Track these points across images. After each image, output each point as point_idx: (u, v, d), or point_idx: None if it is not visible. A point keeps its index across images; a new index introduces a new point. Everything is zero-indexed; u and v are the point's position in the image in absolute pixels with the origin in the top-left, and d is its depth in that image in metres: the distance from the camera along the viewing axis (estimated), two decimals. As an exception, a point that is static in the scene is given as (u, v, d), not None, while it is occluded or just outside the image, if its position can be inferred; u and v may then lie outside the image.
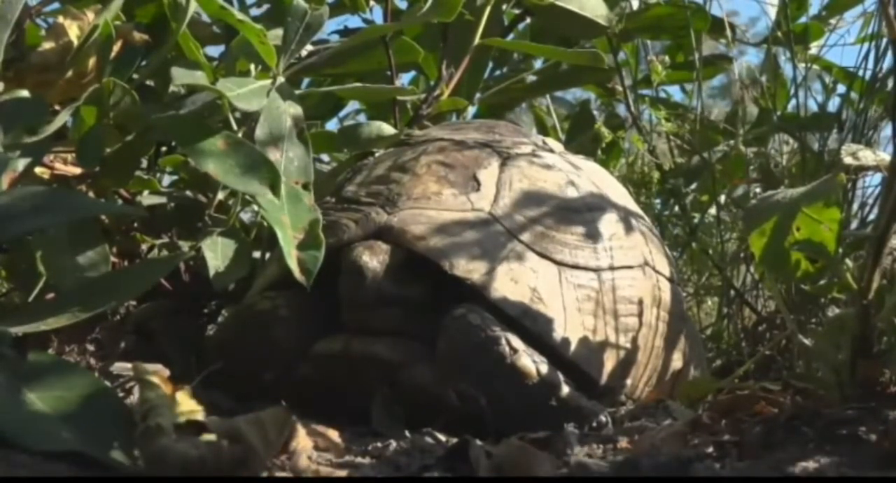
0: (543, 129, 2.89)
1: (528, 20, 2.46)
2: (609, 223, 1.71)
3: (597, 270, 1.64)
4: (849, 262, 1.60)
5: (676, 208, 2.68)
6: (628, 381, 1.65)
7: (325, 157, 2.28)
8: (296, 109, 1.61)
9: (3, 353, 1.14)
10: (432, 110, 2.07)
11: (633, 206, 1.86)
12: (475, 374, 1.48)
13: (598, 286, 1.62)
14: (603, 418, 1.51)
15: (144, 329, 1.82)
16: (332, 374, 1.55)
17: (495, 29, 2.21)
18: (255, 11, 2.05)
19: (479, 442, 1.19)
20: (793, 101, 2.44)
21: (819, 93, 2.59)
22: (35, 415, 1.07)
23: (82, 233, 1.57)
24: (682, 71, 2.68)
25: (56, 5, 1.79)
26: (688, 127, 2.58)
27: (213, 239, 1.69)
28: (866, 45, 2.34)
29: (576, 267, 1.62)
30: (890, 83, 2.27)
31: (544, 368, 1.49)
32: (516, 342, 1.48)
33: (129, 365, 1.55)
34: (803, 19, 2.49)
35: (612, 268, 1.66)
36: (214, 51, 1.95)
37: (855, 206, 2.33)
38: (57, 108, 1.63)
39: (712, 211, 2.61)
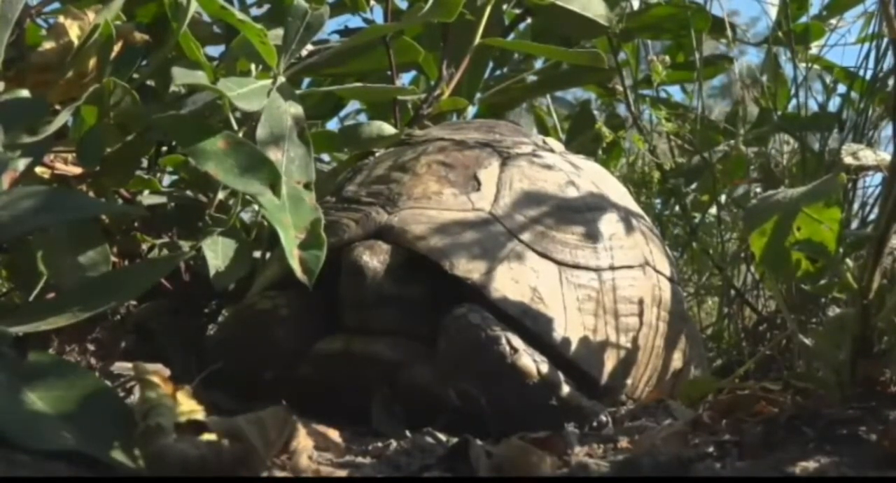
0: (544, 129, 2.90)
1: (529, 20, 2.46)
2: (609, 223, 1.71)
3: (597, 270, 1.64)
4: (849, 261, 1.60)
5: (677, 208, 2.68)
6: (629, 381, 1.65)
7: (325, 157, 2.28)
8: (297, 109, 1.61)
9: (3, 353, 1.14)
10: (433, 110, 2.07)
11: (633, 205, 1.86)
12: (475, 373, 1.48)
13: (598, 286, 1.62)
14: (603, 418, 1.51)
15: (145, 329, 1.82)
16: (333, 373, 1.55)
17: (496, 29, 2.21)
18: (255, 11, 2.05)
19: (479, 442, 1.19)
20: (793, 101, 2.44)
21: (820, 93, 2.59)
22: (35, 414, 1.07)
23: (83, 232, 1.57)
24: (682, 71, 2.68)
25: (56, 5, 1.79)
26: (688, 127, 2.58)
27: (214, 239, 1.69)
28: (867, 44, 2.35)
29: (576, 267, 1.62)
30: (890, 83, 2.27)
31: (545, 368, 1.49)
32: (517, 342, 1.48)
33: (129, 364, 1.55)
34: (804, 19, 2.49)
35: (612, 267, 1.66)
36: (215, 51, 1.95)
37: (855, 206, 2.33)
38: (57, 107, 1.62)
39: (713, 211, 2.61)
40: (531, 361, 1.48)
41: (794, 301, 2.06)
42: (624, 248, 1.70)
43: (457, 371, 1.49)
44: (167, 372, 1.23)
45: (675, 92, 3.00)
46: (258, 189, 1.47)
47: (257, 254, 1.80)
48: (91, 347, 1.73)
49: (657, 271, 1.75)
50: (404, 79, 2.33)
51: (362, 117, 2.63)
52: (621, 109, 2.89)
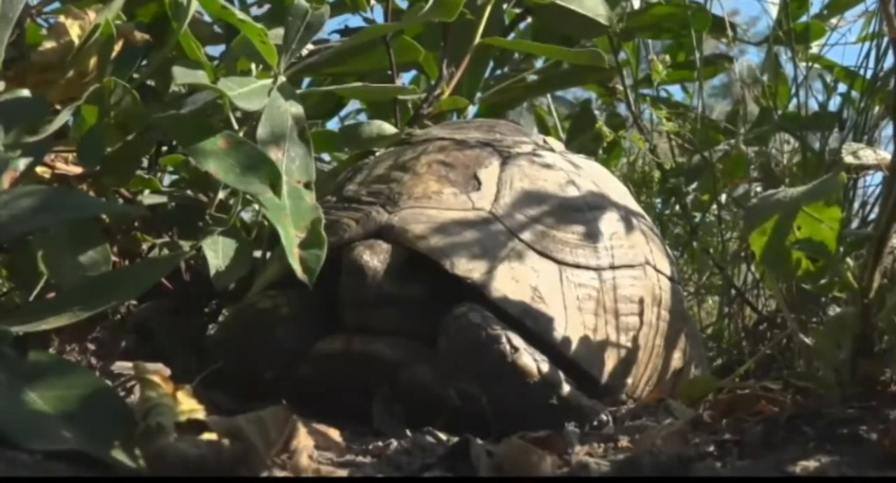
0: (544, 129, 2.90)
1: (529, 19, 2.46)
2: (610, 222, 1.71)
3: (597, 269, 1.64)
4: (849, 261, 1.60)
5: (677, 207, 2.68)
6: (629, 380, 1.65)
7: (325, 157, 2.28)
8: (297, 109, 1.61)
9: (3, 353, 1.14)
10: (433, 110, 2.07)
11: (633, 205, 1.86)
12: (476, 372, 1.48)
13: (598, 285, 1.62)
14: (604, 417, 1.51)
15: (145, 328, 1.82)
16: (333, 373, 1.55)
17: (496, 28, 2.21)
18: (255, 11, 2.05)
19: (479, 441, 1.19)
20: (794, 101, 2.44)
21: (820, 92, 2.59)
22: (36, 414, 1.07)
23: (83, 232, 1.57)
24: (682, 70, 2.68)
25: (57, 5, 1.79)
26: (689, 126, 2.58)
27: (214, 238, 1.69)
28: (867, 44, 2.35)
29: (577, 266, 1.62)
30: (891, 82, 2.27)
31: (545, 367, 1.49)
32: (517, 341, 1.48)
33: (129, 364, 1.55)
34: (804, 18, 2.49)
35: (612, 267, 1.66)
36: (215, 50, 1.95)
37: (856, 206, 2.33)
38: (58, 107, 1.63)
39: (713, 210, 2.61)
40: (531, 360, 1.48)
41: (794, 300, 2.06)
42: (624, 247, 1.70)
43: (457, 370, 1.49)
44: (167, 371, 1.23)
45: (676, 91, 3.00)
46: (258, 188, 1.47)
47: (258, 253, 1.80)
48: (91, 347, 1.73)
49: (657, 271, 1.75)
50: (405, 78, 2.34)
51: (362, 117, 2.63)
52: (622, 109, 2.90)
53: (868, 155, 1.52)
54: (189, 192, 1.92)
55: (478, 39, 2.03)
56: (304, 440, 1.11)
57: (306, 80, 2.18)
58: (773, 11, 2.52)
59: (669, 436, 1.29)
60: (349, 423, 1.47)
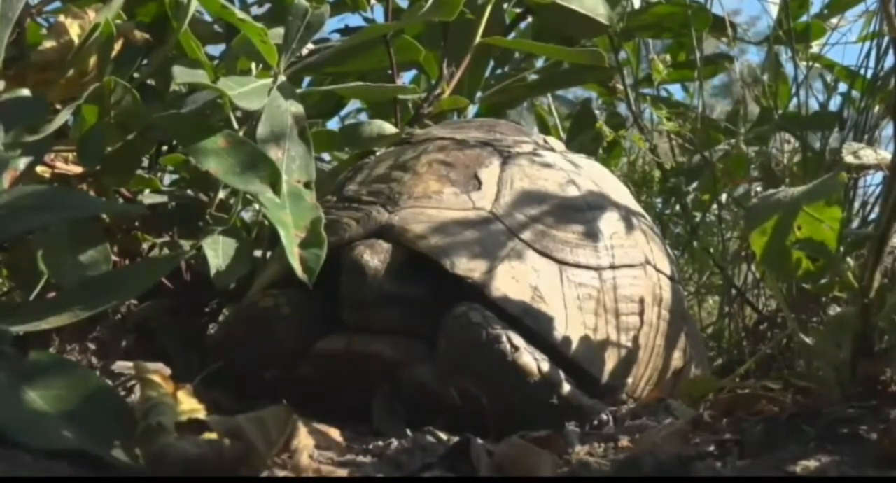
0: (545, 128, 2.89)
1: (530, 19, 2.46)
2: (610, 222, 1.71)
3: (598, 269, 1.64)
4: (850, 260, 1.60)
5: (678, 207, 2.68)
6: (629, 380, 1.65)
7: (326, 156, 2.28)
8: (297, 108, 1.61)
9: (4, 352, 1.14)
10: (433, 109, 2.07)
11: (634, 204, 1.86)
12: (476, 372, 1.48)
13: (599, 285, 1.62)
14: (604, 417, 1.51)
15: (145, 328, 1.82)
16: (333, 372, 1.55)
17: (496, 28, 2.21)
18: (256, 10, 2.05)
19: (480, 440, 1.19)
20: (794, 100, 2.44)
21: (820, 91, 2.59)
22: (36, 413, 1.07)
23: (83, 231, 1.57)
24: (683, 70, 2.68)
25: (57, 4, 1.79)
26: (689, 126, 2.58)
27: (215, 238, 1.69)
28: (868, 43, 2.34)
29: (577, 265, 1.62)
30: (891, 82, 2.27)
31: (545, 366, 1.49)
32: (517, 340, 1.48)
33: (130, 364, 1.55)
34: (805, 18, 2.49)
35: (613, 266, 1.66)
36: (215, 50, 1.95)
37: (856, 205, 2.33)
38: (58, 106, 1.63)
39: (713, 210, 2.61)
40: (532, 360, 1.48)
41: (794, 300, 2.06)
42: (624, 246, 1.70)
43: (457, 370, 1.49)
44: (168, 371, 1.23)
45: (676, 91, 3.00)
46: (259, 188, 1.47)
47: (258, 253, 1.80)
48: (92, 346, 1.73)
49: (658, 270, 1.75)
50: (405, 78, 2.33)
51: (363, 116, 2.63)
52: (622, 108, 2.89)
53: (868, 154, 1.52)
54: (189, 191, 1.92)
55: (478, 39, 2.03)
56: (304, 440, 1.10)
57: (306, 80, 2.18)
58: (774, 11, 2.52)
59: (670, 435, 1.29)
60: (349, 422, 1.47)
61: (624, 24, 2.46)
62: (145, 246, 1.87)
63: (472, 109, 2.44)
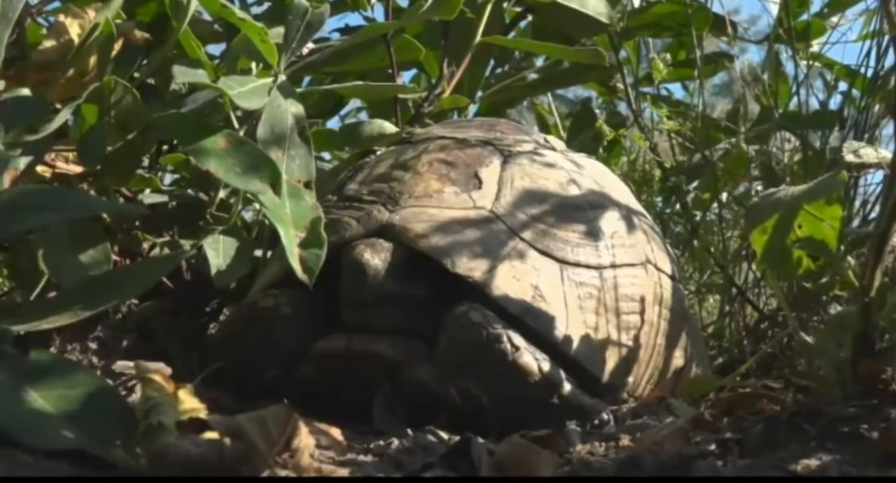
0: (545, 127, 2.89)
1: (530, 18, 2.46)
2: (611, 221, 1.71)
3: (598, 268, 1.64)
4: (850, 259, 1.60)
5: (678, 206, 2.67)
6: (630, 379, 1.65)
7: (326, 156, 2.28)
8: (297, 108, 1.61)
9: (4, 352, 1.14)
10: (434, 108, 2.07)
11: (634, 204, 1.86)
12: (477, 371, 1.48)
13: (599, 284, 1.62)
14: (605, 416, 1.51)
15: (146, 327, 1.82)
16: (334, 372, 1.55)
17: (496, 27, 2.21)
18: (256, 10, 2.05)
19: (480, 440, 1.19)
20: (794, 99, 2.44)
21: (821, 90, 2.59)
22: (37, 413, 1.07)
23: (84, 231, 1.57)
24: (683, 69, 2.68)
25: (57, 4, 1.79)
26: (689, 125, 2.58)
27: (215, 237, 1.69)
28: (868, 42, 2.34)
29: (577, 265, 1.62)
30: (891, 81, 2.27)
31: (546, 366, 1.49)
32: (518, 340, 1.48)
33: (130, 363, 1.55)
34: (805, 17, 2.49)
35: (613, 265, 1.66)
36: (216, 49, 1.95)
37: (857, 204, 2.33)
38: (58, 106, 1.63)
39: (714, 209, 2.61)
40: (532, 359, 1.48)
41: (795, 299, 2.06)
42: (625, 246, 1.70)
43: (458, 369, 1.49)
44: (169, 370, 1.23)
45: (676, 90, 3.00)
46: (259, 188, 1.47)
47: (258, 252, 1.80)
48: (92, 346, 1.73)
49: (658, 269, 1.75)
50: (405, 77, 2.33)
51: (363, 116, 2.63)
52: (622, 107, 2.89)
53: (869, 153, 1.52)
54: (190, 191, 1.92)
55: (478, 38, 2.03)
56: (305, 439, 1.10)
57: (307, 79, 2.18)
58: (774, 10, 2.52)
59: (671, 434, 1.29)
60: (350, 422, 1.47)
61: (624, 23, 2.46)
62: (146, 246, 1.87)
63: (472, 108, 2.43)
